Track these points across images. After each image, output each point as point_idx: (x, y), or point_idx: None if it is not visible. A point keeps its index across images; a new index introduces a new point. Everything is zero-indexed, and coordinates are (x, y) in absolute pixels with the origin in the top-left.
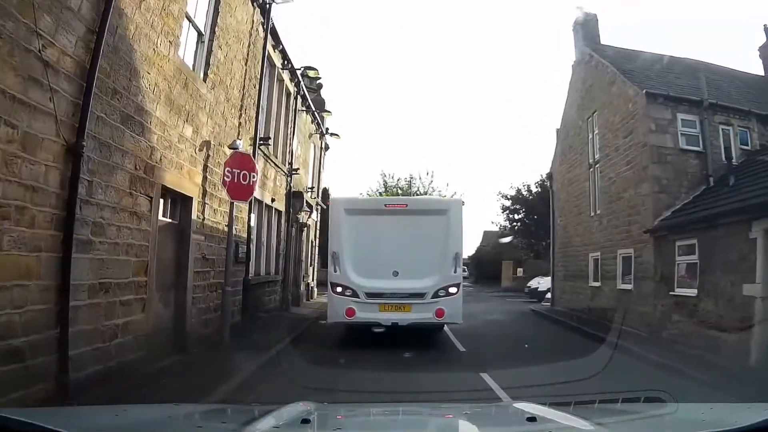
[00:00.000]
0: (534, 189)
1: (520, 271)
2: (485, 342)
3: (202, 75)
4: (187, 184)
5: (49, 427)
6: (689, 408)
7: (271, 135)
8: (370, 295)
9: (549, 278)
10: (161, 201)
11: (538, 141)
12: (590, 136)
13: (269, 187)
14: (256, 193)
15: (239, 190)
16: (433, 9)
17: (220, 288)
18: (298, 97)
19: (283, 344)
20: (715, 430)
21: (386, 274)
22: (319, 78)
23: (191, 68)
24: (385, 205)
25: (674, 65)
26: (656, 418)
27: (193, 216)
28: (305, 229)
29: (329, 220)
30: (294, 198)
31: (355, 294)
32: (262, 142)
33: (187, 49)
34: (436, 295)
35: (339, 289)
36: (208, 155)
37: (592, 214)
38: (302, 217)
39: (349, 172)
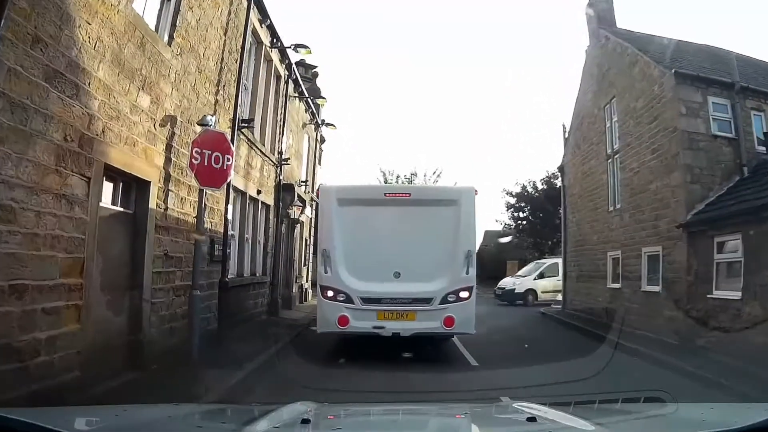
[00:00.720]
0: (540, 186)
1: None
2: (498, 353)
3: (166, 37)
4: (143, 165)
5: (49, 427)
6: (689, 408)
7: (258, 120)
8: (367, 300)
9: (527, 277)
10: (106, 184)
11: (543, 137)
12: (608, 125)
13: (254, 177)
14: (238, 183)
15: (210, 175)
16: (434, 4)
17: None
18: (290, 81)
19: (264, 357)
20: (715, 430)
21: (386, 275)
22: (315, 67)
23: (152, 28)
24: (385, 194)
25: (696, 49)
26: (656, 418)
27: (152, 204)
28: (298, 225)
29: (318, 211)
30: (284, 191)
31: (348, 299)
32: (244, 124)
33: (149, 4)
34: (444, 301)
35: (330, 294)
36: (174, 133)
37: (611, 209)
38: (294, 212)
39: (347, 169)
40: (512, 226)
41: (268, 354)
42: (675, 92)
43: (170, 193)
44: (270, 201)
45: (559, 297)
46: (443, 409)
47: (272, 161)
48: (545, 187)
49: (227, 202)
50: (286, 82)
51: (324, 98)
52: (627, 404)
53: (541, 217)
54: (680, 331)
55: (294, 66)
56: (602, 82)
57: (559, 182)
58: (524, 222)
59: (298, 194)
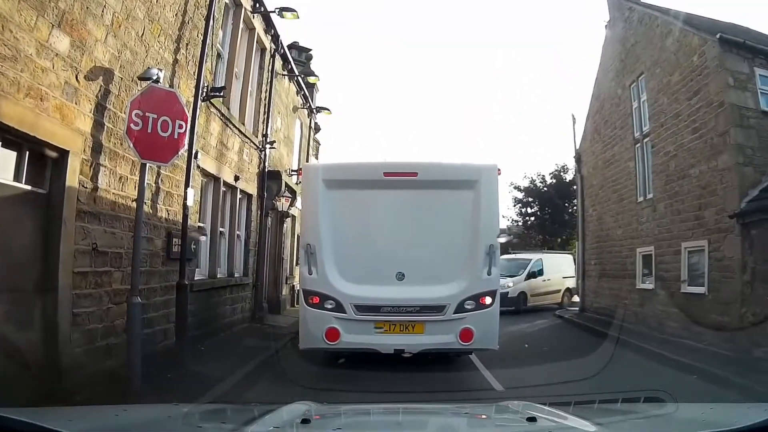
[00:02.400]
0: (549, 180)
1: None
2: (524, 369)
3: None
4: (56, 127)
5: (49, 427)
6: (689, 408)
7: (237, 95)
8: (362, 308)
9: (517, 277)
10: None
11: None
12: (635, 105)
13: (231, 161)
14: (209, 165)
15: (154, 146)
16: None
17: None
18: (277, 55)
19: (235, 379)
20: (715, 430)
21: (386, 277)
22: (310, 50)
23: None
24: (385, 173)
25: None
26: (656, 418)
27: (72, 182)
28: (287, 220)
29: (301, 196)
30: (269, 179)
31: (339, 307)
32: (214, 93)
33: None
34: (461, 309)
35: (315, 300)
36: (109, 91)
37: (640, 199)
38: (282, 204)
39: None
40: (519, 223)
41: (243, 374)
42: (720, 61)
43: (102, 169)
44: (252, 190)
45: (551, 301)
46: (443, 409)
47: (255, 144)
48: (554, 180)
49: (187, 185)
50: (273, 57)
51: (317, 76)
52: (627, 404)
53: (549, 213)
54: (733, 341)
55: (281, 39)
56: (627, 58)
57: (569, 176)
58: (532, 218)
59: (286, 183)
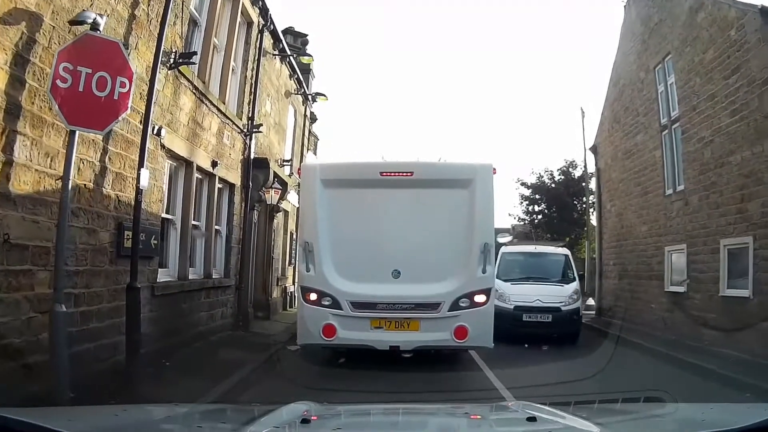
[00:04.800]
0: (557, 176)
1: None
2: (535, 377)
3: None
4: None
5: (49, 427)
6: (689, 408)
7: (217, 71)
8: (359, 305)
9: (571, 285)
10: None
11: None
12: (660, 89)
13: (207, 143)
14: (178, 146)
15: (87, 109)
16: None
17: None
18: (266, 32)
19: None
20: (715, 430)
21: (382, 274)
22: (306, 35)
23: None
24: (381, 172)
25: None
26: (656, 418)
27: None
28: (279, 215)
29: (300, 195)
30: (255, 168)
31: (335, 304)
32: (183, 59)
33: None
34: (455, 306)
35: (313, 297)
36: (34, 41)
37: (669, 192)
38: (271, 196)
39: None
40: (526, 221)
41: (213, 398)
42: (763, 35)
43: (20, 138)
44: (235, 179)
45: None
46: (443, 409)
47: (238, 127)
48: (562, 177)
49: (142, 165)
50: (261, 32)
51: (311, 56)
52: (627, 404)
53: (558, 211)
54: None
55: (270, 13)
56: (651, 38)
57: (577, 171)
58: (539, 216)
59: (276, 173)
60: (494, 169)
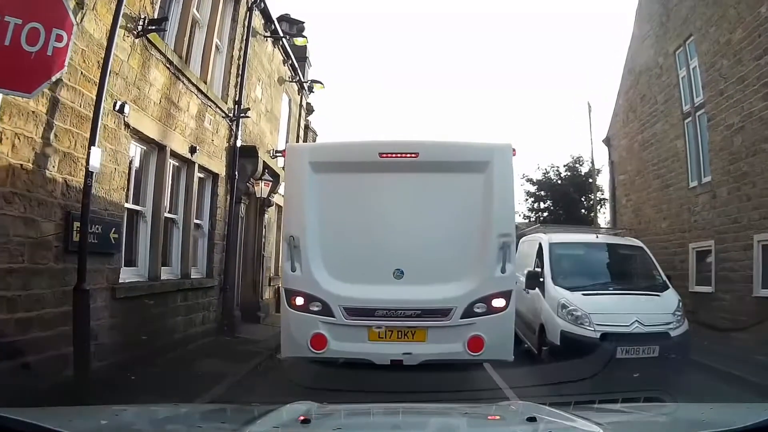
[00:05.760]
0: (563, 172)
1: None
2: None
3: None
4: None
5: (49, 427)
6: (689, 408)
7: (198, 48)
8: (354, 311)
9: (670, 293)
10: None
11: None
12: (682, 74)
13: (184, 126)
14: (147, 127)
15: (12, 65)
16: None
17: None
18: (256, 10)
19: None
20: (715, 430)
21: (382, 275)
22: (302, 22)
23: None
24: (381, 154)
25: None
26: (656, 418)
27: None
28: (270, 209)
29: (285, 181)
30: (242, 157)
31: (326, 310)
32: (151, 26)
33: None
34: (469, 313)
35: (299, 302)
36: None
37: (693, 184)
38: (261, 189)
39: None
40: (531, 218)
41: None
42: None
43: None
44: (218, 168)
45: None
46: (443, 408)
47: (223, 111)
48: (569, 173)
49: (93, 142)
50: (250, 10)
51: (305, 37)
52: (627, 404)
53: (564, 208)
54: None
55: None
56: (670, 21)
57: (585, 168)
58: (545, 213)
59: (266, 164)
60: (514, 150)
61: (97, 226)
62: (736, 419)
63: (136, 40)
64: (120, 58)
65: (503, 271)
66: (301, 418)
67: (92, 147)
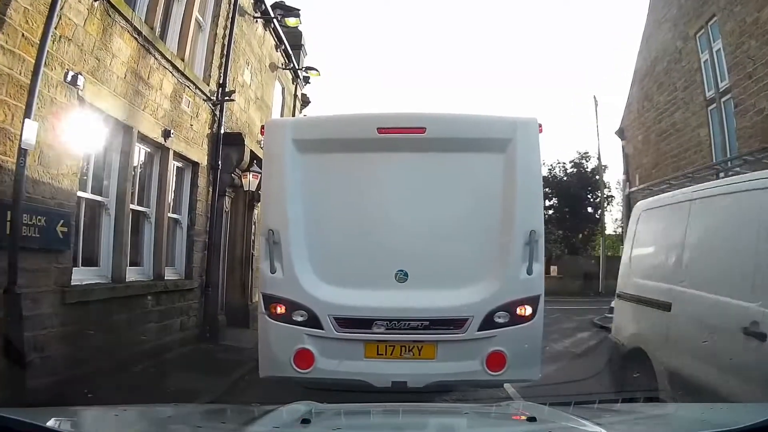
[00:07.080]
0: (569, 169)
1: (553, 269)
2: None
3: None
4: None
5: (48, 427)
6: (689, 408)
7: (178, 21)
8: (347, 323)
9: None
10: None
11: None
12: (704, 58)
13: (156, 107)
14: (110, 106)
15: None
16: None
17: None
18: None
19: None
20: (715, 430)
21: (381, 278)
22: (297, 10)
23: None
24: (380, 129)
25: None
26: (656, 418)
27: None
28: (259, 204)
29: (263, 163)
30: (227, 145)
31: (313, 320)
32: None
33: None
34: (488, 323)
35: (280, 310)
36: None
37: (720, 176)
38: (248, 181)
39: None
40: None
41: None
42: None
43: None
44: (199, 157)
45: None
46: (443, 408)
47: (204, 94)
48: (575, 170)
49: (28, 115)
50: None
51: (298, 17)
52: (627, 404)
53: (570, 205)
54: None
55: None
56: (689, 2)
57: (591, 165)
58: (550, 211)
59: (253, 153)
60: (540, 126)
61: (39, 217)
62: (736, 419)
63: (95, 2)
64: (74, 21)
65: (529, 272)
66: (301, 418)
67: (26, 119)
